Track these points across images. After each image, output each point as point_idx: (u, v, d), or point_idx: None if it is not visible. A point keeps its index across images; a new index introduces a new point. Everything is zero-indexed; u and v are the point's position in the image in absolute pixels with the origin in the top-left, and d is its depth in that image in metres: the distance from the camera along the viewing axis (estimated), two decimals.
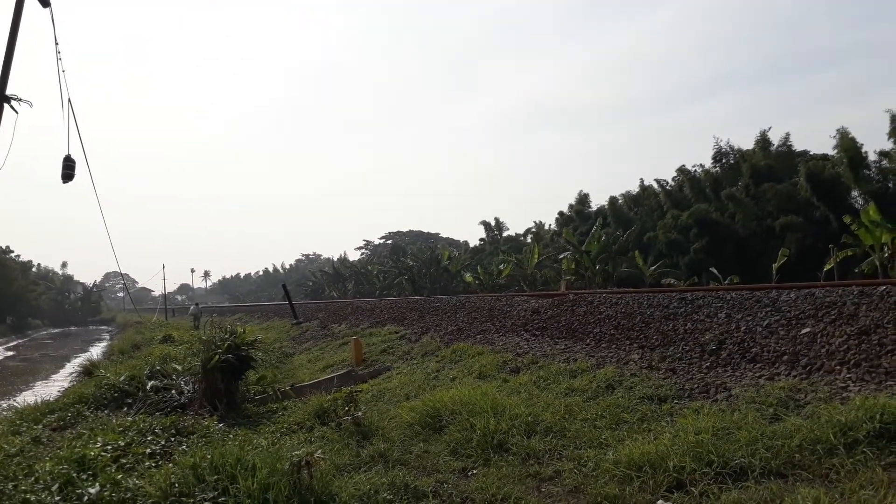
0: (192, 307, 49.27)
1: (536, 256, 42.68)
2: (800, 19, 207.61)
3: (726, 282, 28.05)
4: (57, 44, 12.02)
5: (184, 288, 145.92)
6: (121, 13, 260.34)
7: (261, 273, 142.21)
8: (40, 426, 9.04)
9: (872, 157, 29.49)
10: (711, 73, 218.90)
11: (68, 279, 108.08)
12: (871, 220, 23.88)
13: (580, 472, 5.32)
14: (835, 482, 4.28)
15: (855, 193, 29.82)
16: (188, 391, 10.57)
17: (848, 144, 28.55)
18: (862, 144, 28.74)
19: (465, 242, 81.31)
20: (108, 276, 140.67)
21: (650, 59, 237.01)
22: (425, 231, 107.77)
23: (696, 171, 40.20)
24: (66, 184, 12.31)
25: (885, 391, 5.63)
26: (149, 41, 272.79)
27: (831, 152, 31.50)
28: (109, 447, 6.52)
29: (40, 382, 25.29)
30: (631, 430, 6.05)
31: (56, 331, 78.31)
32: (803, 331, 7.43)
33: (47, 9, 11.71)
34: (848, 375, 6.30)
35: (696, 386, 7.17)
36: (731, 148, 39.42)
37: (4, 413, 11.06)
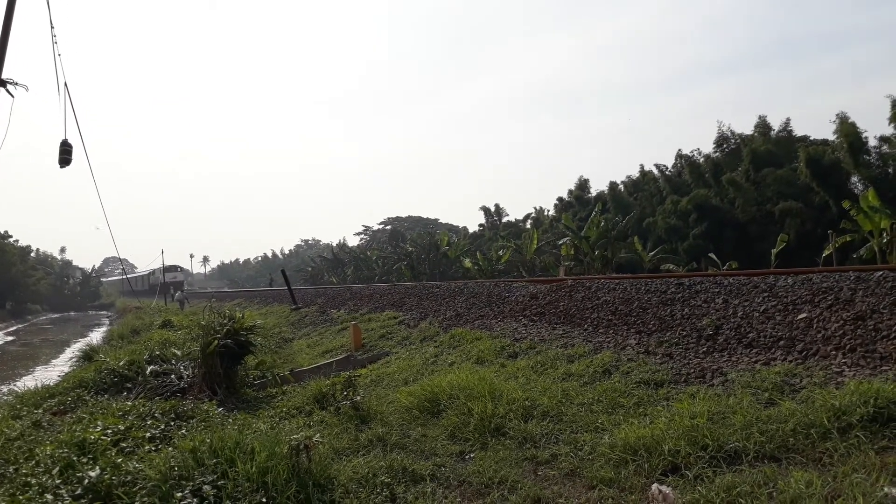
0: (177, 293, 49.10)
1: (535, 242, 42.56)
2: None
3: (725, 267, 28.03)
4: (53, 27, 11.98)
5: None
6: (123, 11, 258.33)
7: (260, 258, 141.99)
8: (41, 410, 9.10)
9: (873, 142, 29.37)
10: (714, 56, 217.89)
11: (67, 264, 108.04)
12: (870, 205, 23.82)
13: (576, 456, 5.36)
14: (828, 466, 4.31)
15: (855, 179, 29.68)
16: (187, 376, 10.62)
17: (848, 129, 28.40)
18: (865, 131, 28.63)
19: (465, 228, 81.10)
20: (107, 261, 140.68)
21: (653, 42, 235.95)
22: (424, 216, 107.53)
23: (695, 155, 40.14)
24: (64, 168, 12.30)
25: (879, 376, 5.66)
26: (152, 27, 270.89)
27: (831, 137, 31.37)
28: (109, 431, 6.56)
29: (40, 367, 25.42)
30: (627, 415, 6.08)
31: (55, 316, 78.44)
32: (800, 316, 7.46)
33: None
34: (843, 360, 6.33)
35: (692, 371, 7.21)
36: (733, 133, 39.34)
37: (5, 397, 11.14)
